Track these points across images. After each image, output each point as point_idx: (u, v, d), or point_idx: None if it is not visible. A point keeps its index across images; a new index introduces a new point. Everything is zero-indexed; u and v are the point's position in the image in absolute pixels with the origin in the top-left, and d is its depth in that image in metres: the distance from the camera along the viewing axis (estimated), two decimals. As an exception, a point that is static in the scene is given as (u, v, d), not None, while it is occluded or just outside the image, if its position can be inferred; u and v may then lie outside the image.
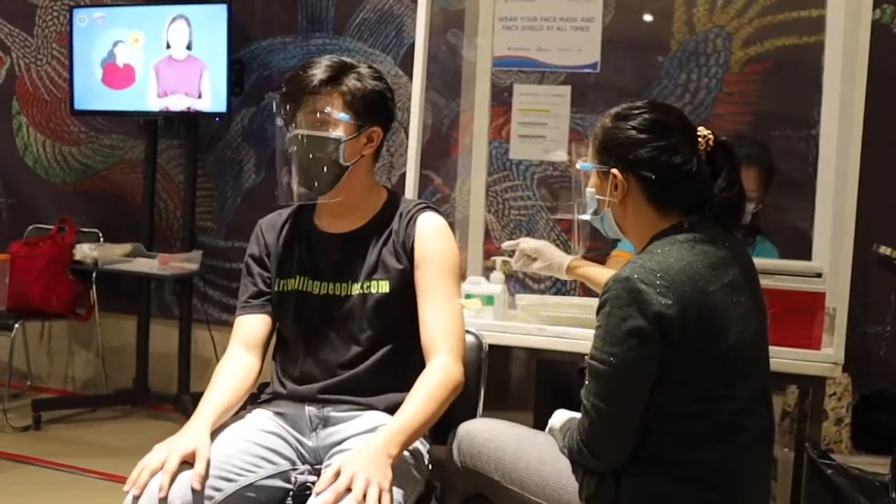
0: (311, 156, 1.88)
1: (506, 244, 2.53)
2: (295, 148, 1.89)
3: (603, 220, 1.80)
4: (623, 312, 1.57)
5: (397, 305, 1.90)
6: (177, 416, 4.10)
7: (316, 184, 1.90)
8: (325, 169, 1.89)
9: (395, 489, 1.63)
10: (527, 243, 2.48)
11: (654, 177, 1.68)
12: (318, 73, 1.88)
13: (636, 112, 1.73)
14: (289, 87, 1.90)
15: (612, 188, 1.73)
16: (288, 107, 1.89)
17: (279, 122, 1.92)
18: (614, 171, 1.72)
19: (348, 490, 1.56)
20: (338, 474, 1.59)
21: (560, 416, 1.85)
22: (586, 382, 1.65)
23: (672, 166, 1.68)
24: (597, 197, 1.78)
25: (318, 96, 1.87)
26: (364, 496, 1.55)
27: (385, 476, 1.60)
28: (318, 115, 1.87)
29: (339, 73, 1.89)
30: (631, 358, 1.57)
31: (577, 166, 1.86)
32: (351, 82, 1.89)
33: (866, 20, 2.31)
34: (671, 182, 1.69)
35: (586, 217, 1.87)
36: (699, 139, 1.72)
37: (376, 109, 1.93)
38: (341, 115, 1.88)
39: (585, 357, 1.65)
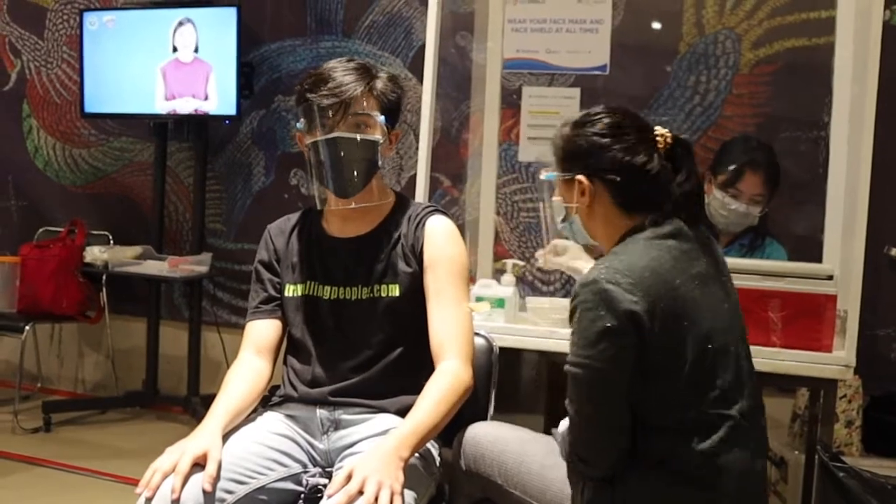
0: (352, 158, 1.87)
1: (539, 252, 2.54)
2: (335, 152, 1.86)
3: (572, 227, 1.82)
4: (593, 315, 1.58)
5: (407, 309, 1.90)
6: (186, 419, 4.11)
7: (353, 187, 1.90)
8: (364, 171, 1.90)
9: (406, 491, 1.63)
10: (561, 241, 2.48)
11: (619, 179, 1.71)
12: (353, 76, 1.87)
13: (594, 118, 1.75)
14: (322, 90, 1.85)
15: (579, 194, 1.75)
16: (325, 111, 1.85)
17: (313, 126, 1.87)
18: (580, 177, 1.74)
19: (360, 493, 1.56)
20: (349, 477, 1.59)
21: (567, 423, 1.85)
22: (568, 390, 1.65)
23: (635, 167, 1.71)
24: (564, 205, 1.80)
25: (359, 98, 1.86)
26: (376, 499, 1.55)
27: (397, 479, 1.60)
28: (359, 117, 1.87)
29: (369, 75, 1.89)
30: (606, 358, 1.57)
31: (542, 177, 1.88)
32: (380, 84, 1.90)
33: (877, 21, 2.30)
34: (635, 182, 1.71)
35: (556, 225, 1.88)
36: (657, 138, 1.74)
37: (397, 112, 1.95)
38: (380, 118, 1.89)
39: (565, 366, 1.65)
